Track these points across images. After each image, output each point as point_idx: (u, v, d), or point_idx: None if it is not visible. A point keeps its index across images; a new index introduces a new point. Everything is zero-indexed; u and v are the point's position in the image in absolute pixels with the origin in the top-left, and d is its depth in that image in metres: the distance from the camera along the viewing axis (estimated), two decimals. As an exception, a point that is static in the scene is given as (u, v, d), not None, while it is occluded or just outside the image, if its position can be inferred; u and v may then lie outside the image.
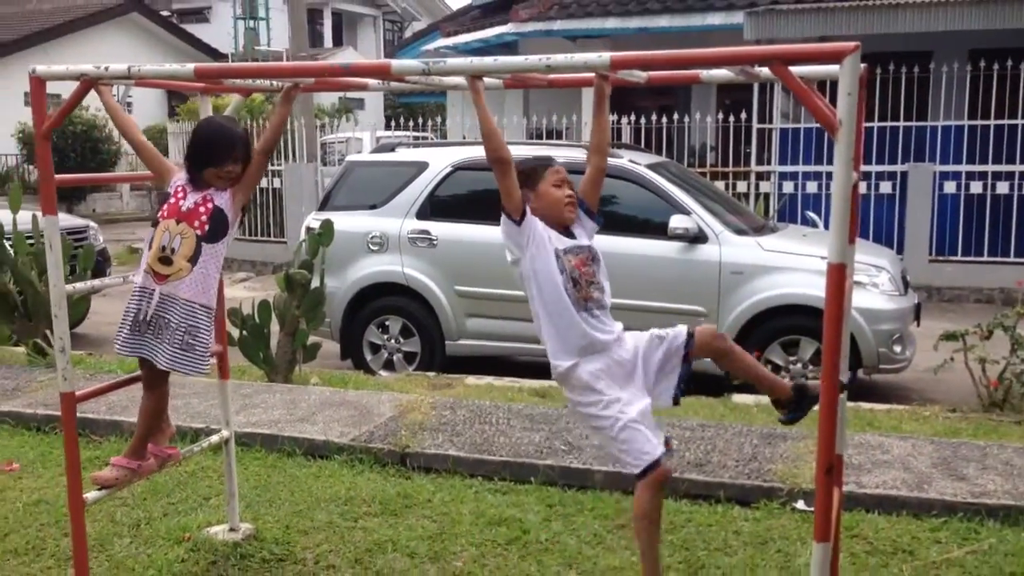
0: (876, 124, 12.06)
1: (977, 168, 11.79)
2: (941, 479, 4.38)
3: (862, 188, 12.01)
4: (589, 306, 3.03)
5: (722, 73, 3.07)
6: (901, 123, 11.99)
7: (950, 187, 11.86)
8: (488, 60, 2.71)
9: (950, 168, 11.92)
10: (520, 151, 8.10)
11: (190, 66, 3.05)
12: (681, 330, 3.13)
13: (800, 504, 4.27)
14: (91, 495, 3.38)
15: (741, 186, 12.61)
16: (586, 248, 3.10)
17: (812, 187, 12.26)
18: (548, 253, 3.00)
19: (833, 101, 2.44)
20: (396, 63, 2.78)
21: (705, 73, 3.17)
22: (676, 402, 3.16)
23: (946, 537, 3.95)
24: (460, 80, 3.42)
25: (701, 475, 4.53)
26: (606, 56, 2.52)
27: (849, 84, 2.32)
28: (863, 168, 11.89)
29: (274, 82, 3.54)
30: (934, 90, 12.35)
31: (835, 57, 2.33)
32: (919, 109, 12.38)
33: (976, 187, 11.73)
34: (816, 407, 2.92)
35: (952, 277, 11.82)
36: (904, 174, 11.99)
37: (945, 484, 4.31)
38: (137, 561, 3.82)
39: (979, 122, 11.86)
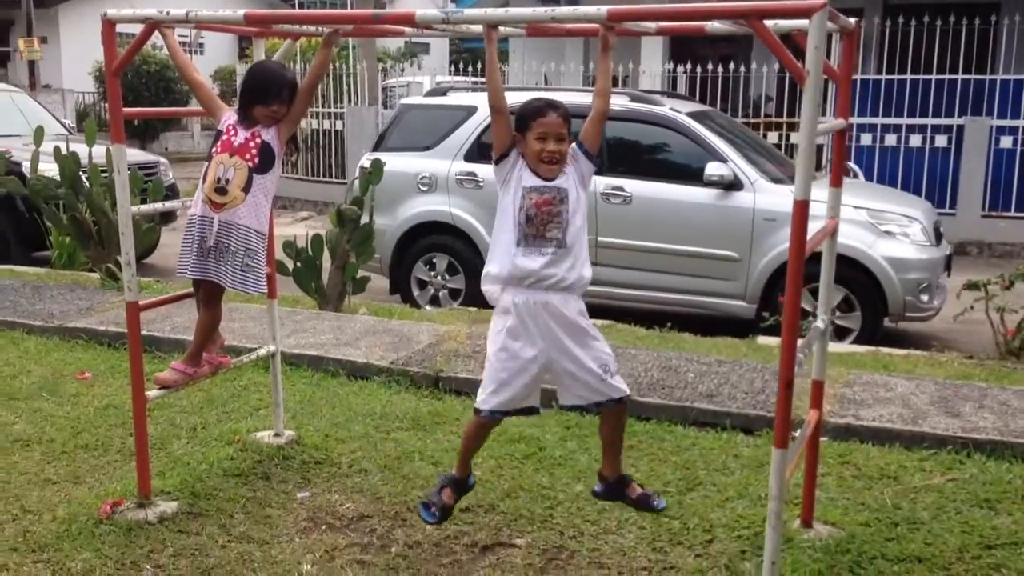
0: (934, 76, 12.00)
1: (1036, 123, 11.68)
2: (936, 415, 4.63)
3: (916, 141, 12.02)
4: (536, 242, 3.12)
5: (722, 25, 3.31)
6: (960, 76, 11.90)
7: (1006, 142, 11.77)
8: (500, 11, 3.01)
9: (1007, 123, 11.82)
10: (570, 98, 8.39)
11: (240, 12, 3.40)
12: (622, 390, 3.29)
13: (796, 433, 4.54)
14: (152, 393, 3.84)
15: (795, 137, 12.64)
16: (554, 189, 3.13)
17: (891, 140, 12.19)
18: (514, 190, 3.14)
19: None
20: (420, 13, 3.10)
21: (709, 25, 3.42)
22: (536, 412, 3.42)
23: (932, 467, 4.22)
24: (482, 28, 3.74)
25: (710, 405, 4.84)
26: (603, 10, 2.80)
27: (816, 38, 2.57)
28: (918, 121, 11.93)
29: (318, 28, 3.89)
30: (995, 43, 12.18)
31: (805, 13, 2.58)
32: (979, 62, 12.25)
33: (1033, 142, 11.64)
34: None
35: (1005, 232, 11.79)
36: (960, 127, 11.92)
37: (939, 420, 4.57)
38: (192, 457, 4.30)
39: (1040, 76, 11.72)
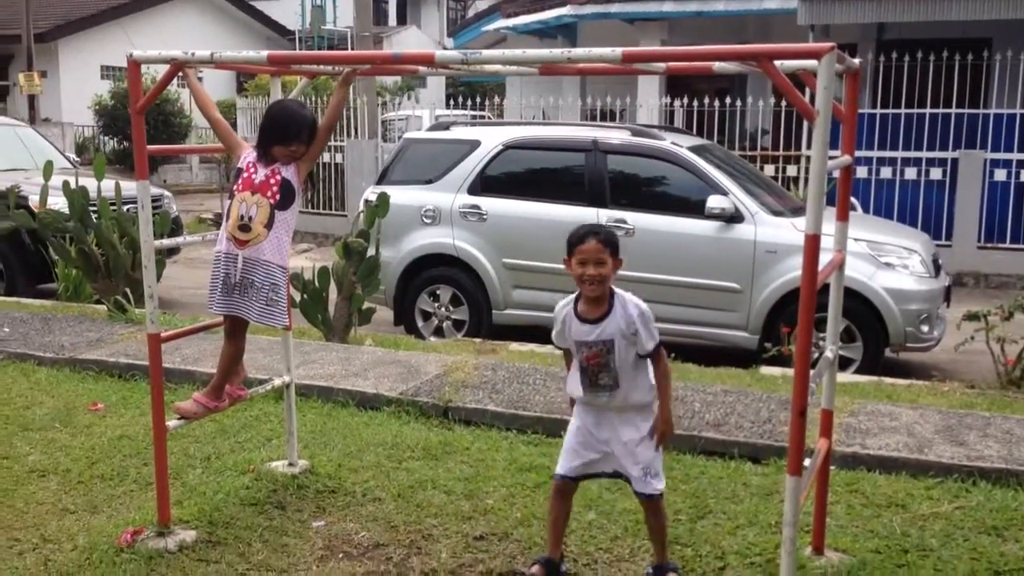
0: (928, 111, 12.19)
1: (1029, 156, 11.85)
2: (942, 444, 4.70)
3: (911, 174, 12.18)
4: (593, 390, 3.35)
5: (730, 66, 3.43)
6: (953, 110, 12.08)
7: (1000, 175, 11.94)
8: (518, 52, 3.12)
9: (1001, 156, 11.99)
10: (571, 132, 8.50)
11: (264, 53, 3.50)
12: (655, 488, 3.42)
13: (807, 462, 4.61)
14: (172, 423, 3.90)
15: (791, 170, 12.80)
16: (599, 343, 3.29)
17: (887, 172, 12.34)
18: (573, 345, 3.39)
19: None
20: (439, 54, 3.20)
21: (717, 65, 3.53)
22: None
23: (939, 495, 4.29)
24: (499, 67, 3.85)
25: (718, 434, 4.91)
26: (618, 51, 2.90)
27: (826, 79, 2.68)
28: (913, 154, 12.09)
29: (336, 67, 3.99)
30: (987, 78, 12.39)
31: (814, 55, 2.69)
32: (972, 96, 12.44)
33: (1027, 175, 11.80)
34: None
35: (1000, 264, 11.92)
36: (955, 161, 12.09)
37: (944, 448, 4.64)
38: (208, 487, 4.35)
39: (1032, 110, 11.91)
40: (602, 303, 3.30)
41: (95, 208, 7.94)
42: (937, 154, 12.17)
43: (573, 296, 3.38)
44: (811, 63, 2.88)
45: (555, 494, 3.52)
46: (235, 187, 3.77)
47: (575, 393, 3.42)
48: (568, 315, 3.36)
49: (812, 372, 2.98)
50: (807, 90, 3.25)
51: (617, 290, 3.34)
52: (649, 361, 3.35)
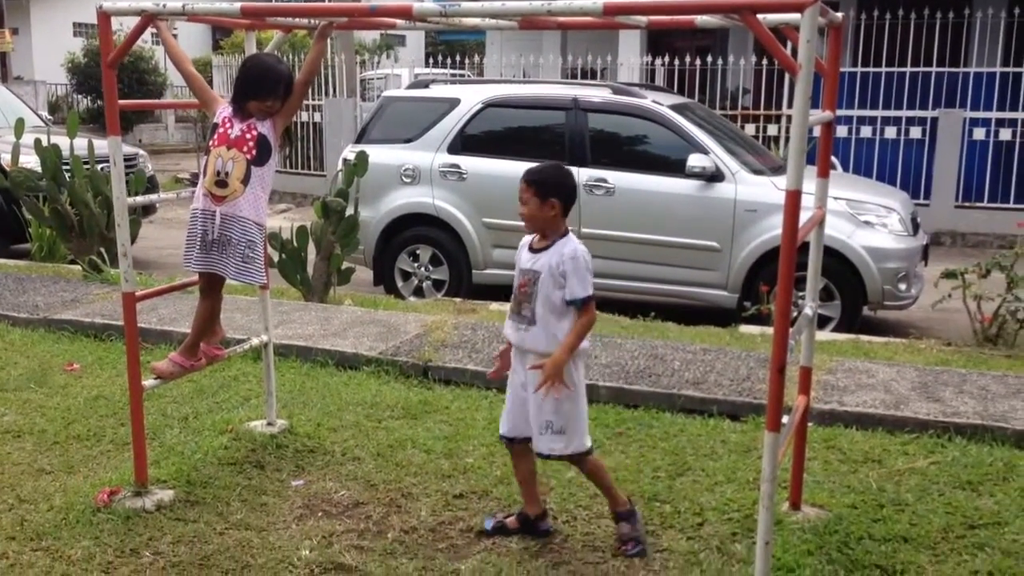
0: (909, 69, 12.17)
1: (1008, 115, 11.86)
2: (918, 400, 4.74)
3: (891, 133, 12.18)
4: (514, 317, 3.43)
5: (713, 19, 3.38)
6: (934, 68, 12.07)
7: (979, 134, 11.96)
8: (496, 4, 3.05)
9: (980, 115, 12.00)
10: (552, 90, 8.42)
11: (237, 4, 3.42)
12: (548, 447, 3.41)
13: (785, 419, 4.64)
14: (148, 383, 3.87)
15: (772, 129, 12.76)
16: (531, 272, 3.35)
17: (867, 131, 12.32)
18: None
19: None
20: (417, 5, 3.14)
21: (700, 19, 3.48)
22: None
23: (914, 450, 4.33)
24: (478, 21, 3.78)
25: (697, 392, 4.93)
26: (599, 3, 2.85)
27: (808, 32, 2.64)
28: (893, 113, 12.09)
29: (312, 20, 3.91)
30: (968, 37, 12.37)
31: (797, 8, 2.65)
32: (952, 55, 12.42)
33: (1005, 134, 11.83)
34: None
35: (977, 223, 11.99)
36: (935, 120, 12.10)
37: (920, 405, 4.68)
38: (186, 447, 4.32)
39: (1012, 69, 11.91)
40: (546, 238, 3.38)
41: (68, 167, 7.81)
42: (917, 113, 12.18)
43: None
44: (794, 16, 2.84)
45: (511, 454, 3.61)
46: (211, 142, 3.70)
47: (506, 328, 3.50)
48: (524, 243, 3.47)
49: (791, 330, 2.98)
50: (789, 45, 3.21)
51: (571, 235, 3.40)
52: (575, 314, 3.32)
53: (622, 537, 3.48)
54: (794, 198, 2.74)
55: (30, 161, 8.00)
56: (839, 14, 3.23)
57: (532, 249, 3.41)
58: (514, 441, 3.54)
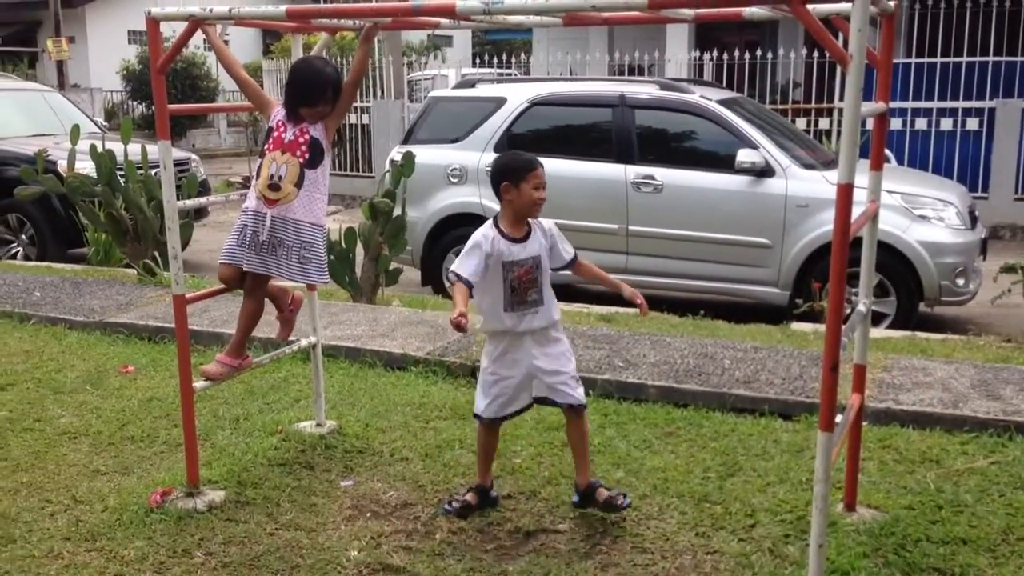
0: (964, 59, 11.89)
1: (1069, 104, 11.54)
2: (977, 398, 4.61)
3: (947, 125, 11.92)
4: (520, 308, 3.52)
5: (761, 11, 3.31)
6: (991, 58, 11.77)
7: (1039, 124, 11.64)
8: (540, 1, 3.02)
9: (1040, 104, 11.68)
10: (598, 87, 8.37)
11: (282, 8, 3.44)
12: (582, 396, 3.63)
13: (838, 418, 4.55)
14: (198, 384, 3.90)
15: (823, 123, 12.56)
16: (529, 259, 3.51)
17: (922, 124, 12.08)
18: (498, 268, 3.49)
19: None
20: (461, 4, 3.12)
21: (747, 10, 3.41)
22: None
23: (973, 450, 4.21)
24: (522, 18, 3.76)
25: (748, 391, 4.85)
26: (643, -3, 2.81)
27: (859, 21, 2.57)
28: (949, 104, 11.82)
29: (357, 21, 3.92)
30: (1027, 24, 12.06)
31: (847, -3, 2.58)
32: (1010, 44, 12.11)
33: (1066, 124, 11.50)
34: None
35: (1038, 216, 11.67)
36: (992, 110, 11.80)
37: (980, 403, 4.55)
38: (237, 448, 4.37)
39: (1073, 57, 11.58)
40: (524, 223, 3.55)
41: (123, 172, 7.95)
42: (974, 104, 11.88)
43: (488, 224, 3.55)
44: (844, 6, 2.77)
45: (489, 433, 3.72)
46: (266, 146, 3.74)
47: (497, 323, 3.53)
48: (496, 238, 3.49)
49: (844, 327, 2.91)
50: (840, 36, 3.14)
51: None
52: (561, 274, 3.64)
53: (609, 498, 3.59)
54: (846, 192, 2.67)
55: (86, 167, 8.15)
56: (892, 2, 3.15)
57: (513, 239, 3.50)
58: (504, 419, 3.70)
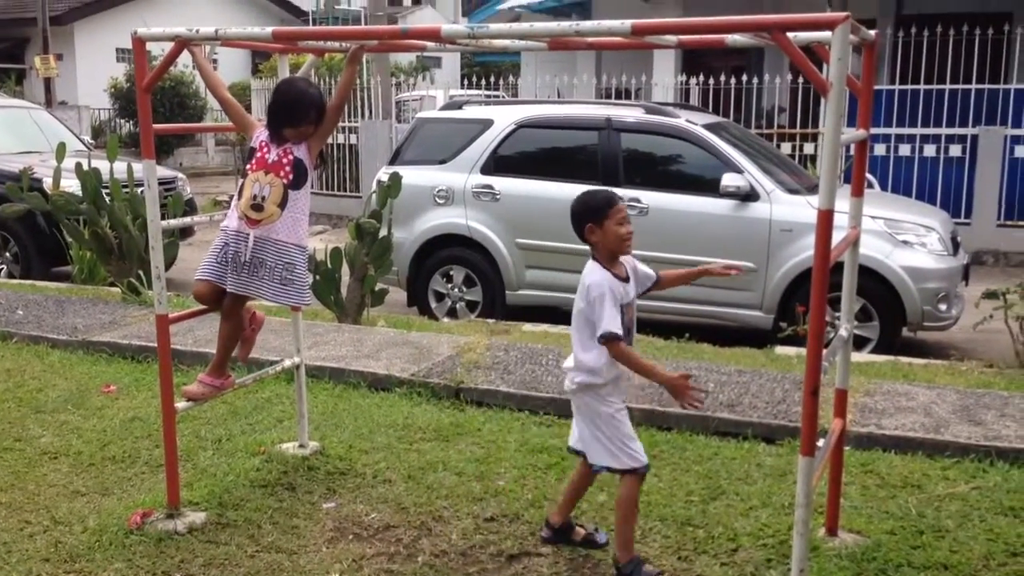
0: (948, 87, 12.00)
1: (1050, 132, 11.66)
2: (958, 424, 4.64)
3: (931, 151, 12.02)
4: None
5: (744, 38, 3.35)
6: (973, 85, 11.89)
7: (1021, 151, 11.75)
8: (525, 26, 3.06)
9: (1022, 132, 11.79)
10: (585, 110, 8.41)
11: (268, 30, 3.46)
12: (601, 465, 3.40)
13: (820, 442, 4.56)
14: (180, 405, 3.89)
15: (808, 148, 12.63)
16: (632, 300, 3.36)
17: (905, 150, 12.18)
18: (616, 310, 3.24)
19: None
20: (446, 28, 3.15)
21: (730, 38, 3.45)
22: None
23: (955, 475, 4.23)
24: (508, 42, 3.79)
25: (731, 414, 4.86)
26: (627, 24, 2.84)
27: (839, 50, 2.61)
28: (932, 131, 11.92)
29: (344, 43, 3.94)
30: (1008, 53, 12.20)
31: (828, 26, 2.62)
32: (992, 72, 12.24)
33: (1049, 151, 11.62)
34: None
35: (1020, 242, 11.76)
36: (975, 137, 11.91)
37: (961, 428, 4.57)
38: (219, 469, 4.34)
39: (1053, 86, 11.71)
40: (619, 261, 3.38)
41: (108, 190, 7.93)
42: (957, 130, 11.99)
43: (596, 266, 3.32)
44: (825, 35, 2.81)
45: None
46: (248, 166, 3.74)
47: (614, 369, 3.32)
48: (612, 280, 3.28)
49: (825, 351, 2.92)
50: (824, 65, 3.18)
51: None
52: None
53: (589, 532, 3.62)
54: (826, 218, 2.69)
55: (71, 185, 8.14)
56: (872, 32, 3.19)
57: (622, 279, 3.33)
58: None
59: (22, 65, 27.00)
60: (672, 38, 3.45)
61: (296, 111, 3.67)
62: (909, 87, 12.24)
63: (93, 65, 25.75)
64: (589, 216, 3.33)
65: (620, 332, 3.21)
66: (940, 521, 3.78)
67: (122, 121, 24.56)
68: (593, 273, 3.31)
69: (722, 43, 3.48)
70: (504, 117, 8.18)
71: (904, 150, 12.22)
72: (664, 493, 4.09)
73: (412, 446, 4.66)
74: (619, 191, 7.31)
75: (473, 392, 5.34)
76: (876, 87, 12.48)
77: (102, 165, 8.13)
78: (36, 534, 3.74)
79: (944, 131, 11.97)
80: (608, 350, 3.24)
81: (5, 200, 8.20)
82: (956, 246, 7.39)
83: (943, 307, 6.92)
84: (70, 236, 8.29)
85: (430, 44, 3.84)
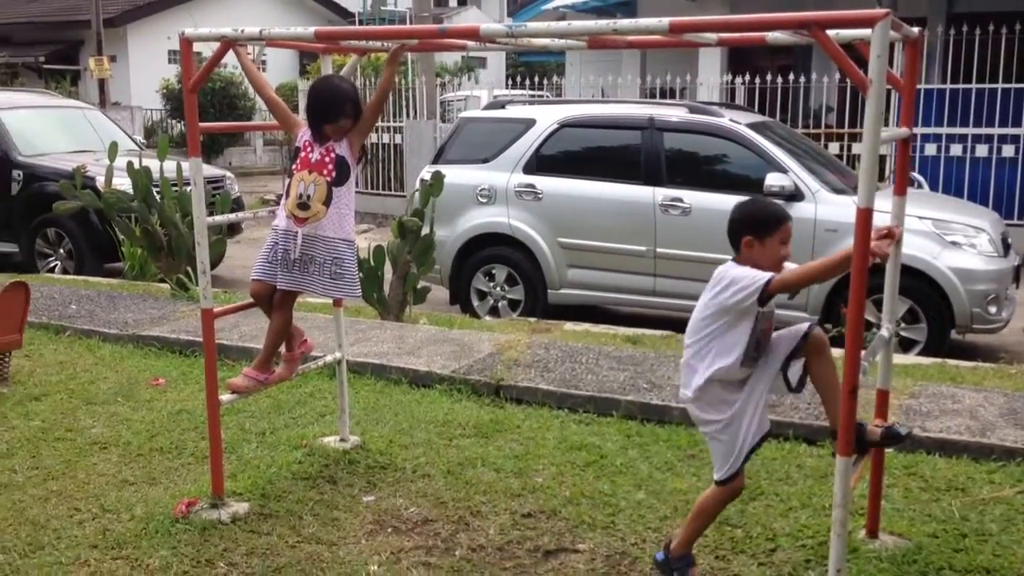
0: (1000, 85, 11.77)
1: (1106, 131, 11.39)
2: (1005, 427, 4.56)
3: (983, 151, 11.80)
4: (754, 359, 3.14)
5: (784, 36, 3.33)
6: (1028, 84, 11.66)
7: (1075, 150, 11.50)
8: (563, 24, 3.07)
9: (1077, 131, 11.54)
10: (628, 110, 8.39)
11: (311, 29, 3.52)
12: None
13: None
14: (225, 397, 3.97)
15: (856, 148, 12.47)
16: (772, 312, 3.13)
17: (956, 150, 11.99)
18: (751, 316, 3.06)
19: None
20: (484, 27, 3.18)
21: (771, 35, 3.44)
22: None
23: (1001, 479, 4.16)
24: (547, 41, 3.81)
25: (773, 415, 4.79)
26: (665, 21, 2.85)
27: (879, 48, 2.59)
28: (984, 131, 11.71)
29: (385, 43, 3.99)
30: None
31: (868, 23, 2.60)
32: (1048, 70, 11.99)
33: (1103, 151, 11.35)
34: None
35: (1074, 244, 11.49)
36: (1028, 136, 11.67)
37: (1008, 432, 4.50)
38: (262, 461, 4.42)
39: (1111, 83, 11.44)
40: None
41: (158, 188, 8.09)
42: (1009, 130, 11.74)
43: (738, 264, 3.08)
44: (866, 32, 2.79)
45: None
46: (294, 166, 3.82)
47: (735, 371, 3.11)
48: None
49: (864, 351, 2.90)
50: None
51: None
52: None
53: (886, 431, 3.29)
54: (865, 216, 2.68)
55: (123, 183, 8.31)
56: (915, 28, 3.16)
57: None
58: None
59: (77, 67, 27.60)
60: (712, 36, 3.45)
61: (332, 107, 3.74)
62: (961, 86, 12.03)
63: (145, 66, 26.24)
64: (753, 229, 3.04)
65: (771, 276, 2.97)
66: (984, 525, 3.73)
67: (173, 121, 24.99)
68: (737, 268, 3.05)
69: (763, 40, 3.46)
70: (547, 117, 8.20)
71: (955, 150, 12.01)
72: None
73: (451, 442, 4.70)
74: (661, 191, 7.46)
75: (513, 389, 5.37)
76: (927, 86, 12.35)
77: (153, 164, 8.29)
78: (85, 521, 3.84)
79: (996, 131, 11.73)
80: (774, 289, 2.97)
81: (60, 198, 8.40)
82: (1007, 247, 7.26)
83: (993, 309, 6.81)
84: (122, 233, 8.47)
85: (471, 44, 3.88)
